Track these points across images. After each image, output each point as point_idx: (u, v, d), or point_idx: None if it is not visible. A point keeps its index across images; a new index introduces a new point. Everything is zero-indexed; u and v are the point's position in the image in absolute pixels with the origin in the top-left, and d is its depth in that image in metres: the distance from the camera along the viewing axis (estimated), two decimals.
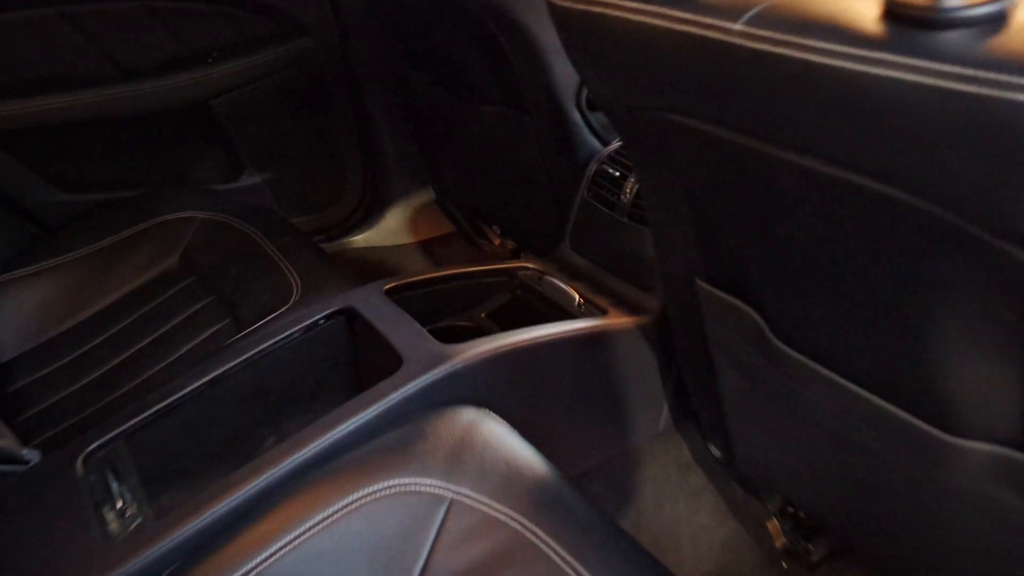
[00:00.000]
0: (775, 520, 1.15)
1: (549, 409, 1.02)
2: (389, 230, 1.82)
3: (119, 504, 0.86)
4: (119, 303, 1.34)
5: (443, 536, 0.79)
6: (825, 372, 0.72)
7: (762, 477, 1.02)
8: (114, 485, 0.89)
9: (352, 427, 0.87)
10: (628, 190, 1.10)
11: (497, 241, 1.67)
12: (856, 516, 0.85)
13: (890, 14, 0.44)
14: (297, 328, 1.05)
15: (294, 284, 1.21)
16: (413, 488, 0.81)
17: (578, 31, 0.66)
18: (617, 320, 1.05)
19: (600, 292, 1.12)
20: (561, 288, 1.11)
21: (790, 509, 1.13)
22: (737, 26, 0.49)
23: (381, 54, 1.58)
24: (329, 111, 1.67)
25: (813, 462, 0.84)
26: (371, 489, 0.81)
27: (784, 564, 1.16)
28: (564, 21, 0.67)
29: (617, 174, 1.13)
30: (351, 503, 0.80)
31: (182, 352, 1.19)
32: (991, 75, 0.40)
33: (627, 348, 1.05)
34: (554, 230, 1.26)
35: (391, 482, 0.81)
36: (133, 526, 0.83)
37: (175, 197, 1.47)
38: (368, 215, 1.79)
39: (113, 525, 0.83)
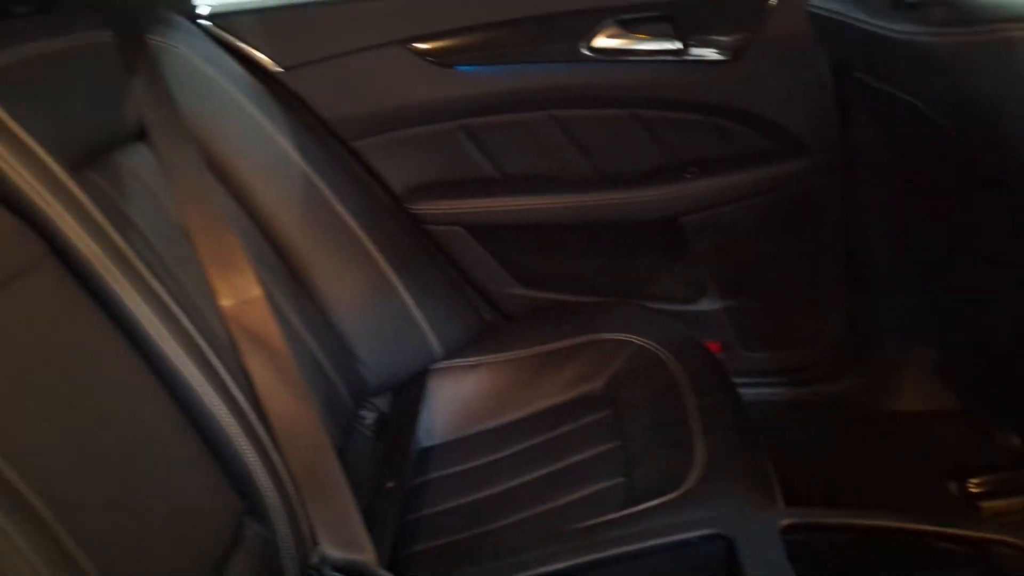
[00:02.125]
0: None
1: None
2: (863, 387, 1.50)
3: None
4: (536, 416, 1.30)
5: None
6: None
7: None
8: None
9: None
10: None
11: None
12: None
13: None
14: (669, 540, 0.87)
15: (696, 464, 1.02)
16: None
17: None
18: None
19: None
20: None
21: None
22: None
23: (891, 190, 1.30)
24: (816, 241, 1.44)
25: None
26: None
27: None
28: None
29: None
30: None
31: (565, 502, 1.09)
32: None
33: None
34: None
35: None
36: None
37: (620, 315, 1.38)
38: (841, 366, 1.50)
39: None
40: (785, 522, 0.84)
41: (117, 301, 0.82)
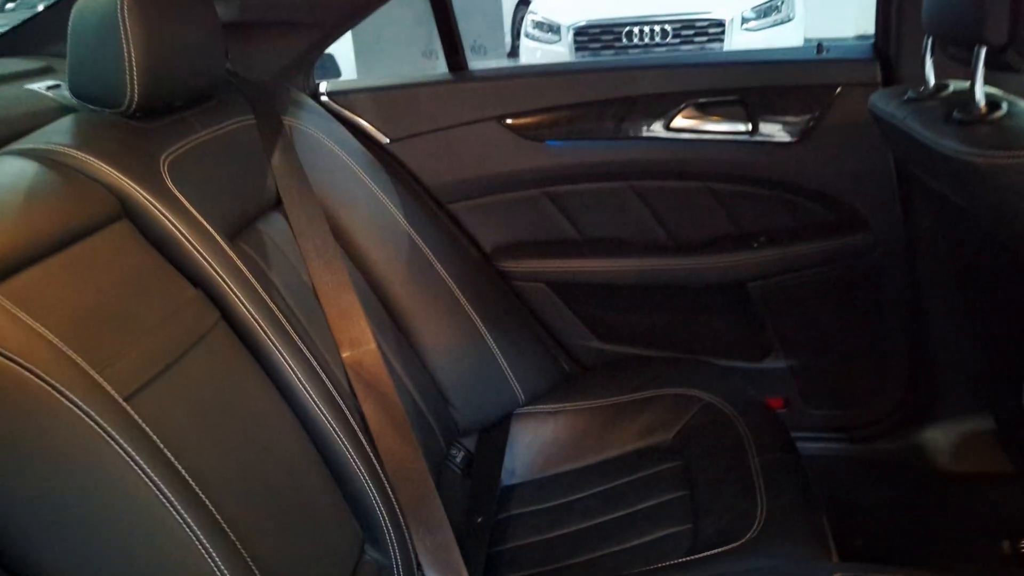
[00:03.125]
0: None
1: None
2: (920, 448, 1.58)
3: None
4: (610, 462, 1.42)
5: None
6: None
7: None
8: None
9: None
10: None
11: None
12: None
13: None
14: None
15: (758, 516, 1.13)
16: None
17: None
18: None
19: None
20: None
21: None
22: None
23: (951, 267, 1.39)
24: (878, 310, 1.53)
25: None
26: None
27: None
28: None
29: None
30: None
31: (635, 543, 1.20)
32: None
33: None
34: None
35: None
36: None
37: (689, 371, 1.50)
38: (899, 427, 1.58)
39: None
40: (838, 575, 0.94)
41: (270, 356, 0.97)
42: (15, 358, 0.69)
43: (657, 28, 4.58)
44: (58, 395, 0.70)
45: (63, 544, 0.69)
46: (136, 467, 0.71)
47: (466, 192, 1.59)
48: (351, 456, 1.01)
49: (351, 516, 1.02)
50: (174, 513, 0.73)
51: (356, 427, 1.05)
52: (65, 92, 1.19)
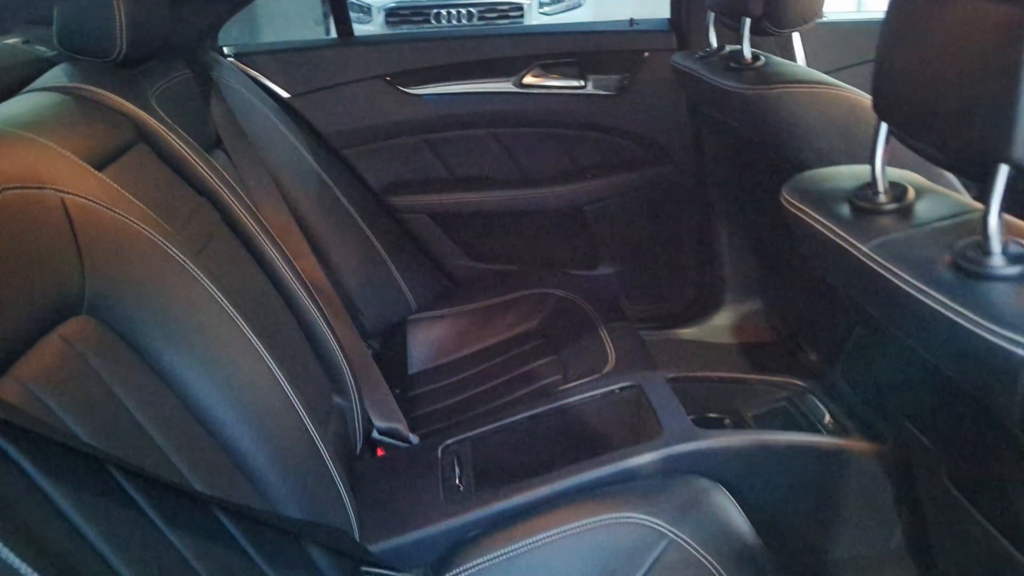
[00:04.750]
0: None
1: (779, 503, 1.24)
2: (714, 329, 2.10)
3: (457, 482, 1.27)
4: (490, 348, 1.80)
5: (657, 566, 1.07)
6: (971, 509, 0.88)
7: None
8: (456, 470, 1.30)
9: (613, 470, 1.19)
10: None
11: (814, 358, 1.87)
12: None
13: (961, 268, 0.66)
14: (600, 392, 1.40)
15: (611, 359, 1.56)
16: (644, 523, 1.10)
17: None
18: (857, 444, 1.24)
19: (856, 419, 1.30)
20: (819, 407, 1.32)
21: None
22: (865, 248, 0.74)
23: (730, 188, 1.89)
24: (680, 222, 2.02)
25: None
26: (615, 516, 1.11)
27: None
28: None
29: None
30: (598, 522, 1.11)
31: (523, 393, 1.60)
32: (1010, 334, 0.58)
33: (864, 468, 1.23)
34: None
35: (630, 515, 1.11)
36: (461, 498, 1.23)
37: (544, 276, 1.91)
38: (697, 314, 2.09)
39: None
40: (671, 376, 1.39)
41: (261, 249, 1.27)
42: (124, 215, 0.93)
43: (464, 11, 4.97)
44: (156, 240, 0.94)
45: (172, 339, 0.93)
46: (214, 296, 0.98)
47: (358, 140, 1.90)
48: (322, 326, 1.33)
49: (323, 372, 1.33)
50: (238, 325, 1.00)
51: (321, 307, 1.36)
52: (37, 47, 1.40)
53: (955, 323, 0.62)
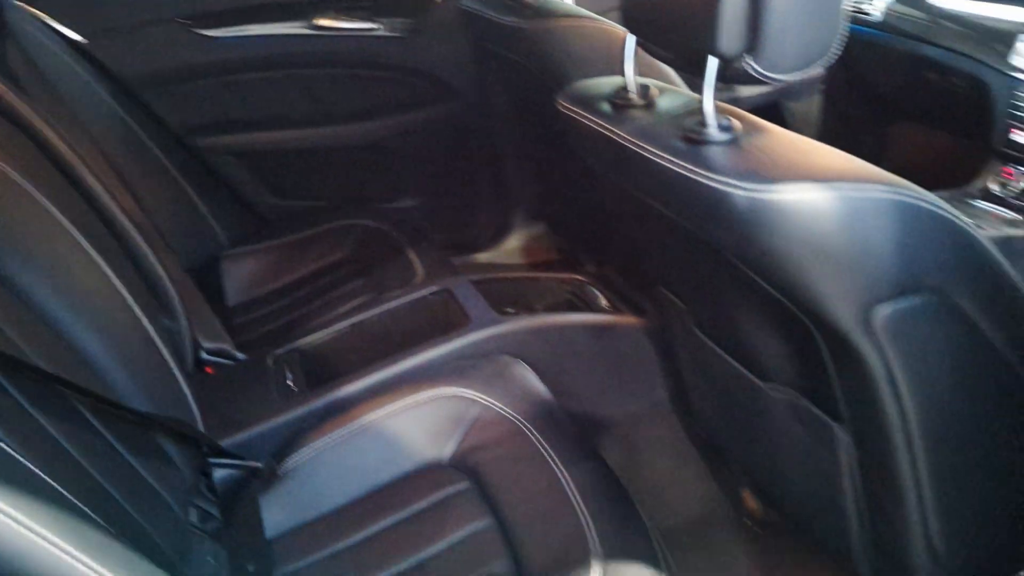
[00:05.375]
0: (748, 489, 1.54)
1: (568, 370, 1.48)
2: (506, 252, 2.32)
3: (289, 383, 1.40)
4: (305, 277, 1.92)
5: (474, 426, 1.27)
6: (712, 346, 1.14)
7: (705, 429, 1.42)
8: (288, 375, 1.43)
9: (431, 356, 1.37)
10: None
11: (591, 268, 2.13)
12: (740, 442, 1.26)
13: (688, 139, 0.88)
14: (413, 297, 1.57)
15: (420, 273, 1.73)
16: (460, 395, 1.29)
17: None
18: (627, 319, 1.50)
19: (625, 301, 1.57)
20: (596, 293, 1.57)
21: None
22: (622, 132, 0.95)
23: (515, 121, 2.10)
24: (472, 155, 2.21)
25: (722, 407, 1.26)
26: (435, 392, 1.29)
27: (747, 522, 1.54)
28: None
29: None
30: (421, 399, 1.29)
31: (340, 311, 1.73)
32: (719, 177, 0.83)
33: (633, 337, 1.49)
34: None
35: (448, 389, 1.30)
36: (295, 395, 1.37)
37: (352, 209, 2.04)
38: (491, 239, 2.30)
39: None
40: (474, 278, 1.58)
41: (81, 177, 1.31)
42: None
43: None
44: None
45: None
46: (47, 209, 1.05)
47: (158, 83, 1.92)
48: (146, 250, 1.40)
49: (147, 290, 1.39)
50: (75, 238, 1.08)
51: (144, 234, 1.43)
52: None
53: (687, 177, 0.85)
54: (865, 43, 1.83)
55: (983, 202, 1.57)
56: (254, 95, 2.03)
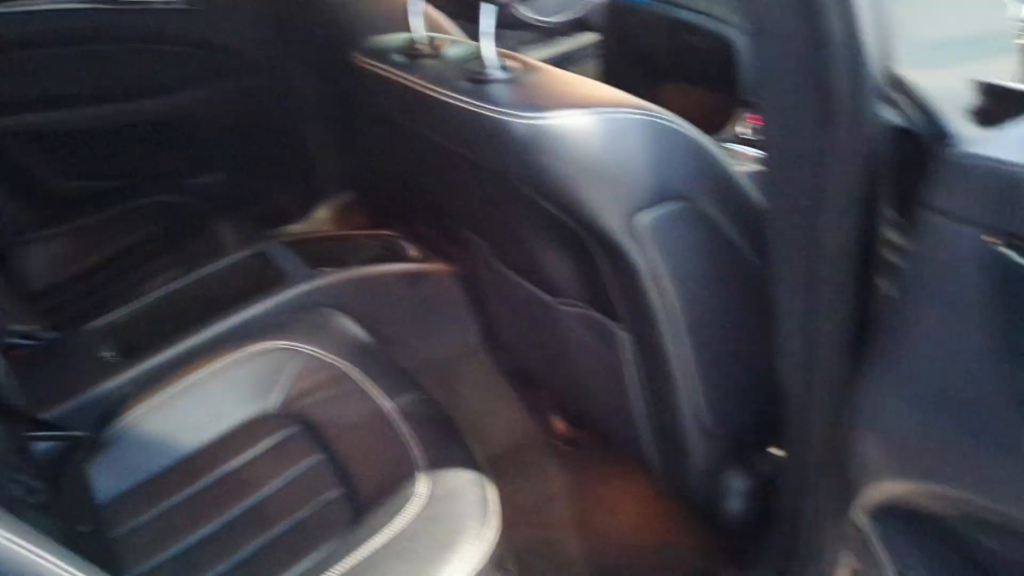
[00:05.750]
0: (556, 414, 1.70)
1: (387, 317, 1.57)
2: (318, 222, 2.36)
3: (105, 354, 1.40)
4: (113, 255, 1.90)
5: (300, 374, 1.33)
6: (512, 275, 1.28)
7: (515, 361, 1.56)
8: (104, 348, 1.43)
9: (252, 314, 1.42)
10: None
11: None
12: (544, 363, 1.41)
13: (471, 79, 1.00)
14: (228, 263, 1.61)
15: (231, 243, 1.76)
16: (283, 347, 1.35)
17: None
18: (437, 267, 1.61)
19: (435, 251, 1.68)
20: (406, 246, 1.67)
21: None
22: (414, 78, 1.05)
23: (316, 92, 2.14)
24: (275, 127, 2.22)
25: (525, 333, 1.40)
26: (258, 347, 1.35)
27: (557, 443, 1.70)
28: None
29: None
30: (244, 355, 1.34)
31: (153, 284, 1.73)
32: (500, 109, 0.94)
33: (445, 283, 1.61)
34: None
35: (269, 343, 1.35)
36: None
37: (154, 187, 2.02)
38: (302, 210, 2.33)
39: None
40: (288, 240, 1.64)
41: None
42: None
43: None
44: None
45: None
46: None
47: None
48: None
49: None
50: None
51: None
52: None
53: (473, 112, 0.96)
54: (631, 10, 2.03)
55: (736, 144, 1.81)
56: (36, 73, 1.95)
